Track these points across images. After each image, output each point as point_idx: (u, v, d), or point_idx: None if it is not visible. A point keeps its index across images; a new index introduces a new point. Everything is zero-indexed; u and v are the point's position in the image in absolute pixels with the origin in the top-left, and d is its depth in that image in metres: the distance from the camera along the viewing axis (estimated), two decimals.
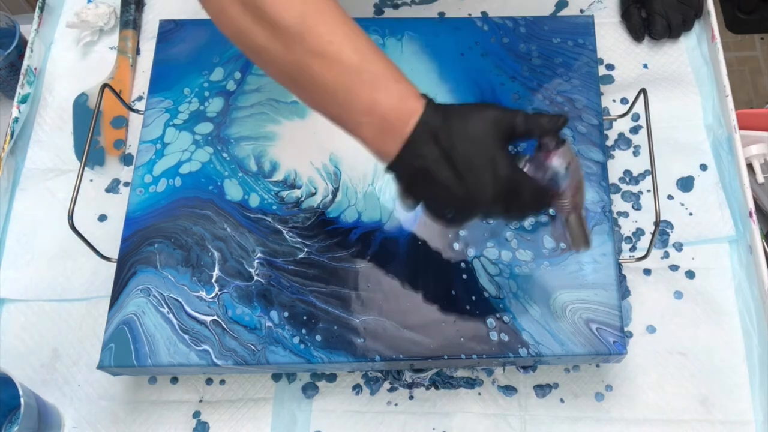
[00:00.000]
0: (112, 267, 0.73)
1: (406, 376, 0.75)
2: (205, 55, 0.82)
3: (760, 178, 0.97)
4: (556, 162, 0.58)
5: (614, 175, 0.83)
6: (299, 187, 0.76)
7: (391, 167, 0.58)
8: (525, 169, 0.59)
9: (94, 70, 0.92)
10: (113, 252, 0.74)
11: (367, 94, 0.56)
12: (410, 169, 0.57)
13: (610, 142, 0.85)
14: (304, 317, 0.70)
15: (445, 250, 0.72)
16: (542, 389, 0.75)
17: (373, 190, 0.76)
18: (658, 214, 0.69)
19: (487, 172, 0.56)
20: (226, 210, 0.75)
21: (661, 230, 0.81)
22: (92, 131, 0.74)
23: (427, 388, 0.75)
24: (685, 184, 0.83)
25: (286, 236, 0.74)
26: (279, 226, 0.74)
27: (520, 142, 0.60)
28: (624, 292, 0.78)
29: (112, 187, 0.86)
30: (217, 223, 0.74)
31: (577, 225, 0.62)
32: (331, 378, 0.76)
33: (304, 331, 0.69)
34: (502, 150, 0.57)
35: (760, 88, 1.76)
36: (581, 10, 0.93)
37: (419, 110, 0.56)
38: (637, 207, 0.82)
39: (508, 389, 0.75)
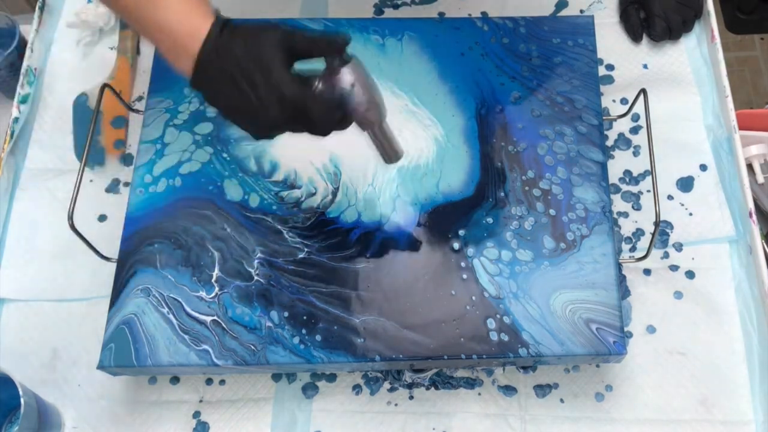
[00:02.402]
0: (112, 267, 0.73)
1: (406, 376, 0.75)
2: None
3: (760, 178, 0.97)
4: (342, 81, 0.60)
5: (614, 175, 0.83)
6: (299, 187, 0.76)
7: (190, 84, 0.59)
8: (320, 88, 0.60)
9: (94, 70, 0.92)
10: (113, 252, 0.74)
11: (152, 12, 0.58)
12: (204, 86, 0.59)
13: (610, 142, 0.85)
14: (304, 317, 0.70)
15: (444, 249, 0.72)
16: (542, 389, 0.75)
17: (373, 190, 0.76)
18: (658, 215, 0.69)
19: (270, 92, 0.58)
20: (226, 210, 0.75)
21: (661, 230, 0.81)
22: (92, 131, 0.74)
23: (427, 388, 0.75)
24: (685, 184, 0.83)
25: (286, 236, 0.73)
26: (279, 226, 0.74)
27: (303, 59, 0.61)
28: (624, 292, 0.78)
29: (112, 187, 0.86)
30: (217, 223, 0.74)
31: (382, 139, 0.65)
32: (331, 378, 0.76)
33: (304, 331, 0.69)
34: (284, 69, 0.58)
35: (760, 88, 1.76)
36: (581, 11, 0.93)
37: (204, 29, 0.57)
38: (637, 207, 0.82)
39: (508, 389, 0.75)
